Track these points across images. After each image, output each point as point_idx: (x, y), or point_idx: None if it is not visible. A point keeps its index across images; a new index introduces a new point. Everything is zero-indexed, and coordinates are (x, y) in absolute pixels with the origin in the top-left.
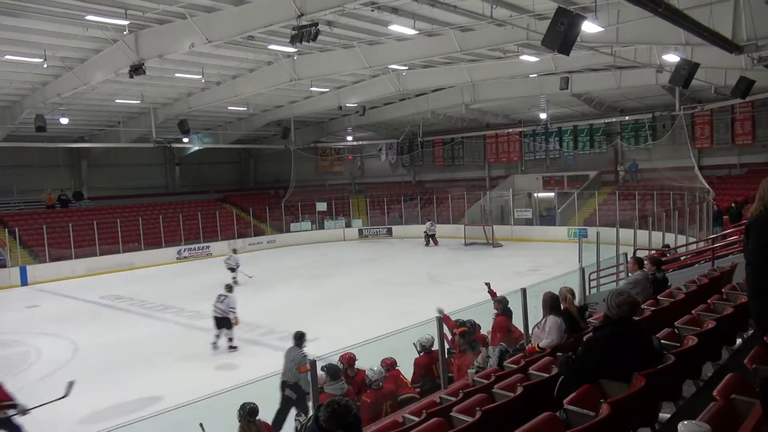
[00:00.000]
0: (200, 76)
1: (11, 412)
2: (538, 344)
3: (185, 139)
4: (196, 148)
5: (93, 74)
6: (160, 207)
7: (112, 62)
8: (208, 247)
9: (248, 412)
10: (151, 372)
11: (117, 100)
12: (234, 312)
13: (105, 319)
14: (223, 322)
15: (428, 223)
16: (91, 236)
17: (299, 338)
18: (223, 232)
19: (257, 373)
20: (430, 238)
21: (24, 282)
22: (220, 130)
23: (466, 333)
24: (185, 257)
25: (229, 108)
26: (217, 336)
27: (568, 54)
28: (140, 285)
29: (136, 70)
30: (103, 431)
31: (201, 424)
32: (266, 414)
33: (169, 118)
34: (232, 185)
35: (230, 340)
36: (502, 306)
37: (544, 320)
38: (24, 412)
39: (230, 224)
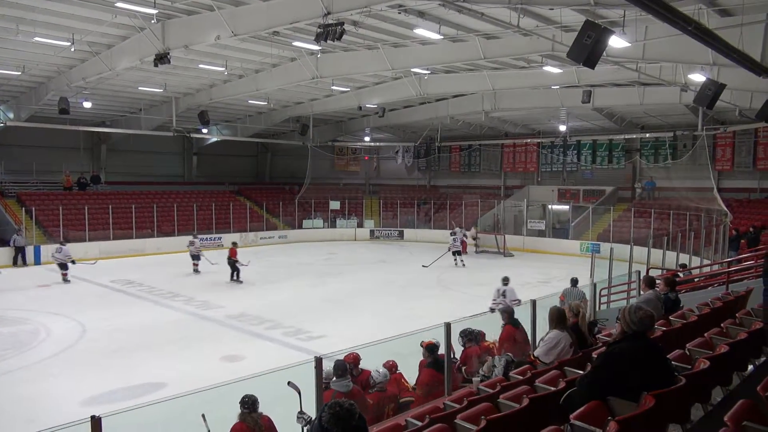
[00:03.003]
0: (223, 69)
1: None
2: (532, 353)
3: (204, 130)
4: (215, 139)
5: (119, 60)
6: (175, 195)
7: (138, 50)
8: (220, 237)
9: (249, 404)
10: (156, 359)
11: (140, 88)
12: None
13: (114, 303)
14: (458, 254)
15: (460, 230)
16: (105, 220)
17: (575, 281)
18: (236, 224)
19: (262, 366)
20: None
21: (37, 261)
22: (239, 123)
23: (433, 347)
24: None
25: (250, 102)
26: (455, 260)
27: (593, 68)
28: (151, 271)
29: (161, 59)
30: (105, 414)
31: (203, 416)
32: (267, 408)
33: (190, 108)
34: (248, 178)
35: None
36: (507, 315)
37: (546, 333)
38: None
39: (243, 217)
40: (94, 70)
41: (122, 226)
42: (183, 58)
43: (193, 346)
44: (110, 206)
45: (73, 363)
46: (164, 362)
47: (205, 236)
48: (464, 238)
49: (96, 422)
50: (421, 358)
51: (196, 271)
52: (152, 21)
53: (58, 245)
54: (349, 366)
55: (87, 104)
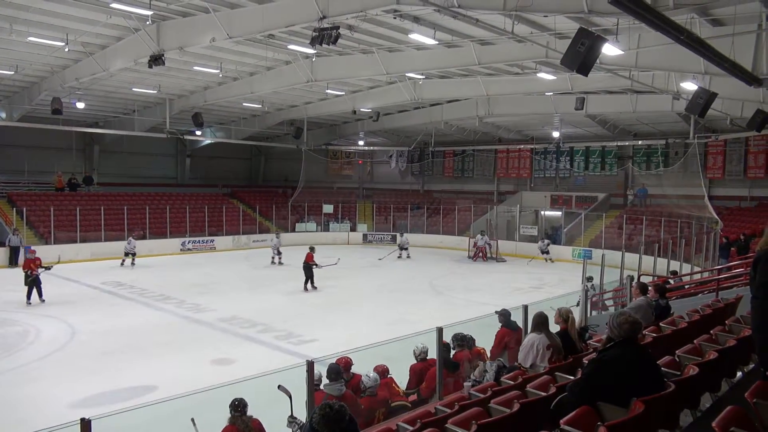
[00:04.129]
0: (218, 71)
1: None
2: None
3: (198, 132)
4: (208, 141)
5: (113, 61)
6: (167, 197)
7: (132, 51)
8: (212, 240)
9: (239, 408)
10: (146, 361)
11: (134, 89)
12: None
13: (105, 305)
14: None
15: (479, 236)
16: (97, 221)
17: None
18: (229, 227)
19: (252, 369)
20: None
21: None
22: (233, 126)
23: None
24: (189, 249)
25: (244, 104)
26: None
27: (586, 75)
28: (142, 273)
29: (156, 60)
30: (95, 417)
31: (192, 420)
32: (258, 412)
33: (183, 109)
34: (241, 181)
35: None
36: (504, 318)
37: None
38: None
39: (236, 219)
40: (88, 70)
41: (114, 228)
42: (177, 60)
43: (184, 349)
44: (102, 207)
45: (63, 365)
46: (155, 365)
47: (197, 239)
48: (486, 245)
49: (86, 425)
50: (414, 361)
51: (273, 262)
52: (147, 22)
53: (130, 238)
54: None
55: (80, 105)
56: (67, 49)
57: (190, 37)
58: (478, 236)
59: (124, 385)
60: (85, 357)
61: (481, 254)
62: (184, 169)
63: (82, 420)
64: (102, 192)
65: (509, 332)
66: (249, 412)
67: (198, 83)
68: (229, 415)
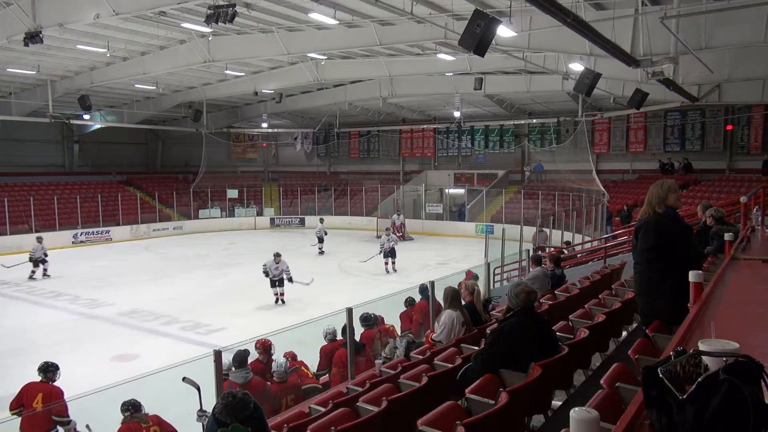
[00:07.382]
0: (105, 50)
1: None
2: (431, 336)
3: (86, 116)
4: (98, 126)
5: None
6: (55, 187)
7: (4, 27)
8: (108, 231)
9: (130, 406)
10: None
11: (8, 69)
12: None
13: None
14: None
15: (395, 216)
16: None
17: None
18: (125, 216)
19: (157, 364)
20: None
21: None
22: (126, 109)
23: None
24: (82, 241)
25: (137, 86)
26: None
27: (483, 55)
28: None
29: (33, 38)
30: None
31: (87, 426)
32: (167, 406)
33: (68, 92)
34: (137, 167)
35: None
36: (419, 291)
37: (441, 313)
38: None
39: (133, 208)
40: None
41: None
42: (58, 38)
43: (81, 347)
44: None
45: None
46: None
47: (91, 230)
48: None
49: None
50: (324, 343)
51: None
52: None
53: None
54: (258, 352)
55: None
56: None
57: (71, 12)
58: (394, 216)
59: (12, 390)
60: None
61: (398, 233)
62: (72, 156)
63: None
64: None
65: (427, 304)
66: (156, 409)
67: (83, 63)
68: (123, 417)
